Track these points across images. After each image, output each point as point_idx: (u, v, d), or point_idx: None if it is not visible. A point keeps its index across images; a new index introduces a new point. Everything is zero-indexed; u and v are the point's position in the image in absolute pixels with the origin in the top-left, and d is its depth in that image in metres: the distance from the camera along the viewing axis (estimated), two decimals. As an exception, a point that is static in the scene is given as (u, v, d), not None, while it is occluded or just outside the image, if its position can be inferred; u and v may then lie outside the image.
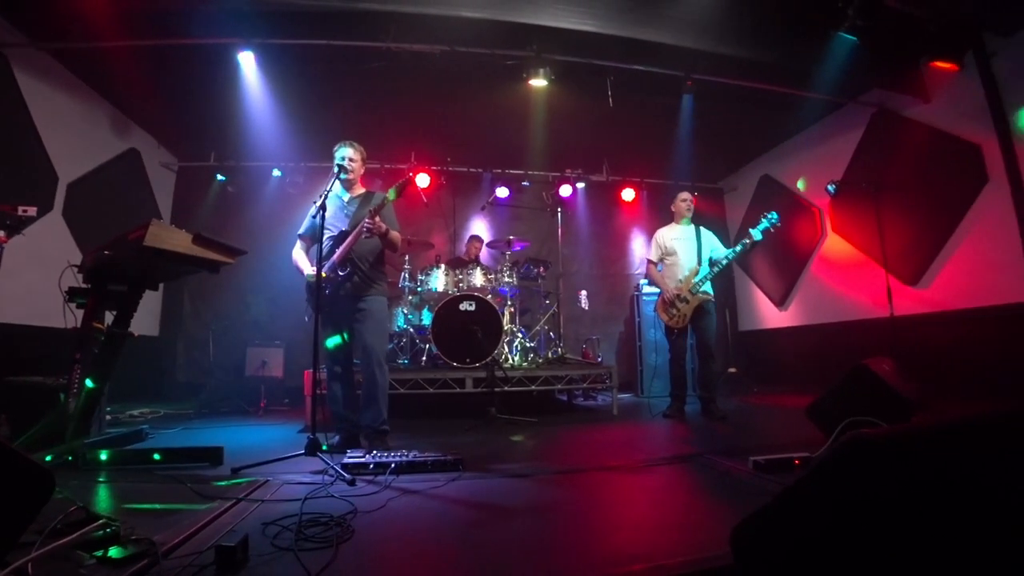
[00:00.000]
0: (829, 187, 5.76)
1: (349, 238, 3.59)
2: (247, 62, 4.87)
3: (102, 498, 2.50)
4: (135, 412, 5.27)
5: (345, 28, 4.61)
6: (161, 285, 5.28)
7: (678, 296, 4.93)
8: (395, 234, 3.74)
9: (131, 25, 4.41)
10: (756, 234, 4.82)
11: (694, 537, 1.82)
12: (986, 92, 4.83)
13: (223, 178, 7.05)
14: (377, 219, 3.50)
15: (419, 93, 5.76)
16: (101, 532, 1.84)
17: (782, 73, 5.23)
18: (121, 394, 5.29)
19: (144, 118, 6.34)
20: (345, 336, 3.73)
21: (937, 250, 5.26)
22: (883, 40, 4.60)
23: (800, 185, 7.10)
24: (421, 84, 5.50)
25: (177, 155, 7.17)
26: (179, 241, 3.04)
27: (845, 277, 6.41)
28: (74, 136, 5.36)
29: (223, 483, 2.69)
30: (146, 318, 6.53)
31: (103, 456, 3.06)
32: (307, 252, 3.83)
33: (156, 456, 3.13)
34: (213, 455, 3.17)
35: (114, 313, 3.32)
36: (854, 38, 4.33)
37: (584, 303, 7.30)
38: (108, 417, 4.39)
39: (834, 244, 6.62)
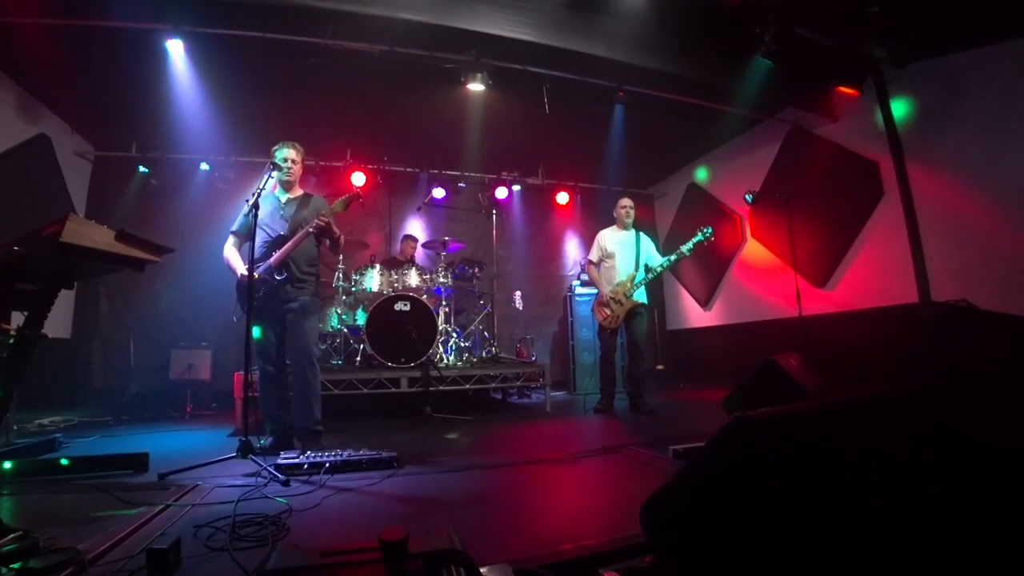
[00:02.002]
0: (747, 196, 6.17)
1: (290, 242, 3.57)
2: (175, 50, 4.67)
3: (15, 510, 2.38)
4: (45, 421, 4.93)
5: (281, 22, 4.52)
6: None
7: (614, 298, 5.14)
8: (342, 237, 3.82)
9: (45, 0, 4.15)
10: (686, 250, 5.04)
11: (616, 520, 1.96)
12: (883, 116, 5.36)
13: (146, 170, 6.66)
14: (329, 219, 3.57)
15: (356, 91, 5.71)
16: (17, 544, 1.77)
17: (708, 89, 5.56)
18: (28, 402, 4.94)
19: (56, 102, 5.90)
20: (276, 336, 3.70)
21: (841, 256, 5.76)
22: (795, 65, 4.99)
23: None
24: (358, 82, 5.45)
25: (94, 143, 6.72)
26: (100, 238, 2.90)
27: (763, 279, 6.88)
28: (-26, 120, 4.96)
29: (150, 490, 2.61)
30: (57, 319, 6.10)
31: (12, 467, 2.89)
32: (239, 249, 3.75)
33: (73, 465, 2.98)
34: (137, 462, 3.06)
35: (24, 314, 3.12)
36: (770, 62, 4.68)
37: (518, 303, 7.44)
38: (15, 427, 4.11)
39: (753, 249, 7.09)
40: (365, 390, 4.89)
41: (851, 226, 5.65)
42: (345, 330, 5.69)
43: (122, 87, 5.47)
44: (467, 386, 5.23)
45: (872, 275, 5.50)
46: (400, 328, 5.07)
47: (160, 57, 4.72)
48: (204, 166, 6.85)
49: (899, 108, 5.27)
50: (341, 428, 4.41)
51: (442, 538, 1.12)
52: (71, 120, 6.29)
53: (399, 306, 5.17)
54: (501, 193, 7.96)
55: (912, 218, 5.13)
